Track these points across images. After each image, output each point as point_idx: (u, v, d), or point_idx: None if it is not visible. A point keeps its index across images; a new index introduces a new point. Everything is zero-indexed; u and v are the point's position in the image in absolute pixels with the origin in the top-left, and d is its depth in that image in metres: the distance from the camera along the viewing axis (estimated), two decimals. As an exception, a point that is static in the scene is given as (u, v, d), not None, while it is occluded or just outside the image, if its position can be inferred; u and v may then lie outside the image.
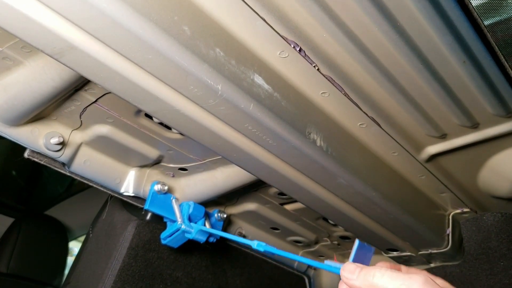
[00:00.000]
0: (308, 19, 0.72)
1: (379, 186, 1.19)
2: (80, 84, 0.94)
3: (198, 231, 1.22)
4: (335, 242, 1.83)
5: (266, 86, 0.80)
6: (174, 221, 1.24)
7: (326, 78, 0.84)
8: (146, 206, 1.21)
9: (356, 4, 0.70)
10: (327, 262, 0.77)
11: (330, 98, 0.89)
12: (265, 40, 0.75)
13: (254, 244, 0.92)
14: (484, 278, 1.57)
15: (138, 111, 1.05)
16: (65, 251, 2.69)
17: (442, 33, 0.76)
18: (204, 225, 1.29)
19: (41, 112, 1.00)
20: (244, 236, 1.63)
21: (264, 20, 0.72)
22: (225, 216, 1.42)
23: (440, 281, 0.65)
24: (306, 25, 0.74)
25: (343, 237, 1.77)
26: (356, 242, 0.74)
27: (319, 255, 1.95)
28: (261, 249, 0.92)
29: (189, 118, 0.80)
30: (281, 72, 0.82)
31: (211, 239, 1.27)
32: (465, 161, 1.17)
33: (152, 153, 1.20)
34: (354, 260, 0.72)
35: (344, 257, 2.00)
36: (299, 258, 0.85)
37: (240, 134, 0.87)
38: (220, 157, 1.05)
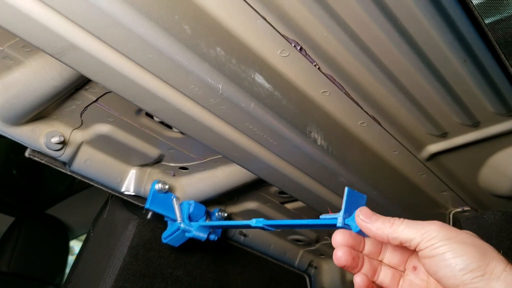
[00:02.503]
0: (308, 17, 0.72)
1: (379, 184, 1.20)
2: (81, 83, 0.94)
3: (198, 228, 1.22)
4: (336, 241, 1.83)
5: (266, 85, 0.80)
6: (175, 220, 1.24)
7: (327, 77, 0.84)
8: (147, 205, 1.21)
9: (356, 2, 0.70)
10: (322, 216, 0.76)
11: (331, 97, 0.89)
12: (266, 39, 0.75)
13: (253, 222, 0.91)
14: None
15: (139, 110, 1.05)
16: (66, 250, 2.69)
17: (443, 32, 0.76)
18: (205, 224, 1.29)
19: (42, 111, 1.00)
20: (245, 236, 1.63)
21: (265, 19, 0.72)
22: (225, 215, 1.42)
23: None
24: (307, 24, 0.73)
25: (344, 236, 1.77)
26: (346, 189, 0.72)
27: (319, 254, 1.95)
28: (260, 225, 0.90)
29: (190, 117, 0.80)
30: (281, 71, 0.82)
31: (212, 237, 1.27)
32: (465, 159, 1.17)
33: (153, 152, 1.20)
34: (346, 209, 0.70)
35: (344, 256, 2.00)
36: (297, 221, 0.82)
37: (241, 133, 0.87)
38: (221, 156, 1.05)
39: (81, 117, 1.05)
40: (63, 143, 1.06)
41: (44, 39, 0.64)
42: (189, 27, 0.68)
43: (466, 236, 0.59)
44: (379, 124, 0.99)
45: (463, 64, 0.83)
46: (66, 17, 0.62)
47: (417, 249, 0.61)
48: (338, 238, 0.68)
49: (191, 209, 1.25)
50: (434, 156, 1.14)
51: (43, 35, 0.63)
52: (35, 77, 0.88)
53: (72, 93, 0.97)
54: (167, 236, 1.27)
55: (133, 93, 0.75)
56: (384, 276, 0.69)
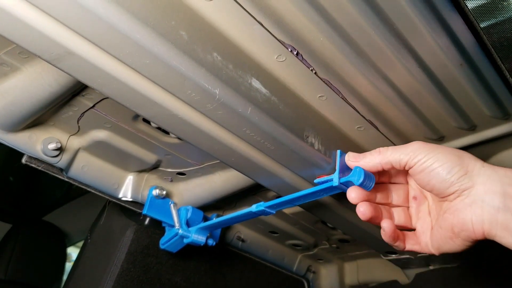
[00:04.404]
0: (305, 23, 0.72)
1: (377, 189, 1.19)
2: (78, 89, 0.94)
3: (197, 231, 1.21)
4: (334, 245, 1.83)
5: (263, 90, 0.80)
6: (173, 226, 1.23)
7: (324, 81, 0.85)
8: (144, 211, 1.21)
9: (352, 7, 0.70)
10: (316, 180, 0.86)
11: (328, 101, 0.89)
12: (263, 44, 0.76)
13: (253, 208, 0.94)
14: (484, 279, 1.57)
15: (136, 116, 1.04)
16: (63, 257, 2.68)
17: (439, 36, 0.76)
18: (203, 229, 1.29)
19: (39, 117, 0.99)
20: (243, 241, 1.63)
21: (261, 24, 0.72)
22: (223, 220, 1.41)
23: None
24: (303, 29, 0.74)
25: (342, 240, 1.77)
26: (338, 152, 0.82)
27: (318, 259, 1.94)
28: (262, 208, 0.92)
29: (187, 123, 0.80)
30: (278, 76, 0.82)
31: (210, 242, 1.27)
32: (463, 163, 1.17)
33: (150, 158, 1.19)
34: (340, 170, 0.80)
35: (343, 260, 2.00)
36: (295, 195, 0.86)
37: (238, 138, 0.87)
38: (218, 161, 1.05)
39: (78, 123, 1.05)
40: (60, 150, 1.06)
41: (41, 46, 0.64)
42: (185, 32, 0.68)
43: (443, 147, 0.70)
44: (376, 128, 0.99)
45: (459, 68, 0.83)
46: (62, 24, 0.62)
47: (407, 168, 0.72)
48: (353, 194, 0.78)
49: (189, 215, 1.25)
50: (431, 159, 1.14)
51: (40, 41, 0.63)
52: (32, 84, 0.88)
53: (69, 99, 0.97)
54: (165, 242, 1.27)
55: (130, 99, 0.75)
56: (398, 217, 0.81)
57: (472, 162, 0.68)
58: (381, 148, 0.76)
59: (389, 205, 0.83)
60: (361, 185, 0.76)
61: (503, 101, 0.93)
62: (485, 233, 0.67)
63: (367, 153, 0.78)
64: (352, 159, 0.80)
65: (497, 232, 0.65)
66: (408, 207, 0.83)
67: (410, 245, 0.78)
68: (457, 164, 0.67)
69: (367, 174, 0.76)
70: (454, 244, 0.72)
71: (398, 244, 0.78)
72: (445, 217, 0.71)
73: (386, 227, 0.76)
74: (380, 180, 0.83)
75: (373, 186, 0.77)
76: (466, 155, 0.69)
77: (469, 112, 0.96)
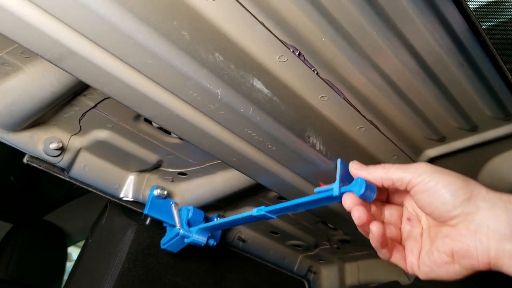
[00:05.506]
0: (307, 23, 0.72)
1: (378, 189, 1.19)
2: (79, 89, 0.94)
3: (198, 231, 1.21)
4: (335, 246, 1.83)
5: (265, 90, 0.81)
6: (174, 226, 1.23)
7: (325, 82, 0.85)
8: (145, 211, 1.21)
9: (354, 8, 0.70)
10: (316, 189, 0.82)
11: (329, 102, 0.89)
12: (264, 45, 0.76)
13: (254, 212, 0.93)
14: (484, 279, 1.57)
15: (137, 116, 1.05)
16: (64, 257, 2.68)
17: (440, 37, 0.76)
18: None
19: (40, 117, 0.99)
20: (243, 241, 1.63)
21: (263, 25, 0.72)
22: (224, 220, 1.41)
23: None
24: (305, 29, 0.74)
25: (343, 241, 1.77)
26: (339, 161, 0.78)
27: (318, 259, 1.94)
28: (262, 212, 0.92)
29: (189, 123, 0.80)
30: (280, 76, 0.82)
31: (211, 242, 1.27)
32: (464, 164, 1.17)
33: (151, 158, 1.19)
34: (340, 179, 0.77)
35: (344, 261, 2.00)
36: (295, 201, 0.84)
37: (240, 139, 0.87)
38: (220, 161, 1.05)
39: (79, 123, 1.05)
40: (62, 149, 1.06)
41: (43, 45, 0.64)
42: (187, 33, 0.68)
43: (449, 170, 0.68)
44: (378, 129, 0.99)
45: (460, 69, 0.83)
46: (64, 23, 0.62)
47: (408, 187, 0.69)
48: (348, 200, 0.74)
49: (190, 215, 1.25)
50: (432, 160, 1.14)
51: (42, 41, 0.63)
52: (33, 83, 0.88)
53: (70, 99, 0.97)
54: (166, 242, 1.27)
55: (131, 99, 0.75)
56: (389, 231, 0.77)
57: (477, 187, 0.65)
58: (386, 164, 0.73)
59: (382, 221, 0.79)
60: (362, 196, 0.73)
61: (505, 102, 0.92)
62: (491, 262, 0.64)
63: (371, 165, 0.75)
64: (355, 166, 0.77)
65: (505, 261, 0.63)
66: (400, 228, 0.79)
67: (395, 258, 0.75)
68: (462, 188, 0.65)
69: (369, 185, 0.73)
70: (450, 270, 0.69)
71: (384, 252, 0.74)
72: (446, 241, 0.68)
73: (374, 230, 0.72)
74: (377, 198, 0.80)
75: (374, 197, 0.75)
76: (473, 181, 0.66)
77: (470, 113, 0.96)
